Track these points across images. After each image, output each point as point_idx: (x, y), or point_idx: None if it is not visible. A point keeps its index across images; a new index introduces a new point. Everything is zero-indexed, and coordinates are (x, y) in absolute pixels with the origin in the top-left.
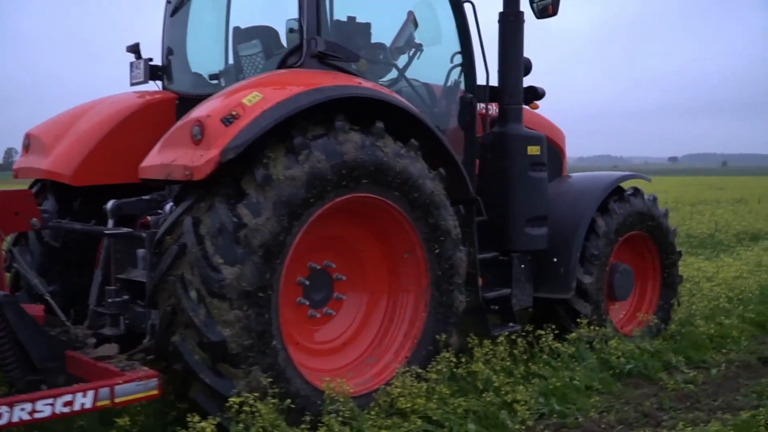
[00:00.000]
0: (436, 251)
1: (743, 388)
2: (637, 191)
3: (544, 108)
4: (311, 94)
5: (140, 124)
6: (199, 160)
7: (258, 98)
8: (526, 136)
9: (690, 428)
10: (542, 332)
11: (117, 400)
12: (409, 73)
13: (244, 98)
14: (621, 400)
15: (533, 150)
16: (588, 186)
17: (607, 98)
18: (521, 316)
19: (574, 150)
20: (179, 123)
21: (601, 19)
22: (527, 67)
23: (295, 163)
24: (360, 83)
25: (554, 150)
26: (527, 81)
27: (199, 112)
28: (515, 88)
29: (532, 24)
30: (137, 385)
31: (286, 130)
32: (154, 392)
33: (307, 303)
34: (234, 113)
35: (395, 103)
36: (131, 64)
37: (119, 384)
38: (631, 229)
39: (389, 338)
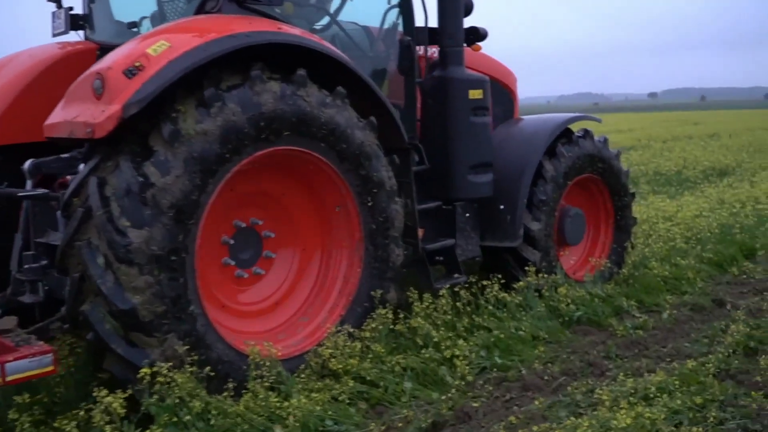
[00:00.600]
0: (369, 204)
1: (694, 333)
2: (586, 133)
3: (521, 47)
4: (224, 42)
5: (60, 78)
6: (101, 116)
7: (164, 47)
8: (468, 80)
9: (632, 379)
10: (488, 282)
11: (8, 379)
12: (345, 16)
13: (149, 48)
14: (567, 350)
15: (475, 94)
16: (535, 130)
17: (586, 36)
18: (471, 267)
19: (554, 88)
20: (82, 76)
21: None
22: (468, 7)
23: (206, 117)
24: (280, 28)
25: (504, 92)
26: (469, 22)
27: (101, 64)
28: (455, 29)
29: None
30: (30, 362)
31: (198, 81)
32: (50, 368)
33: (234, 263)
34: (137, 64)
35: (318, 49)
36: (53, 14)
37: (9, 361)
38: (581, 172)
39: (323, 296)
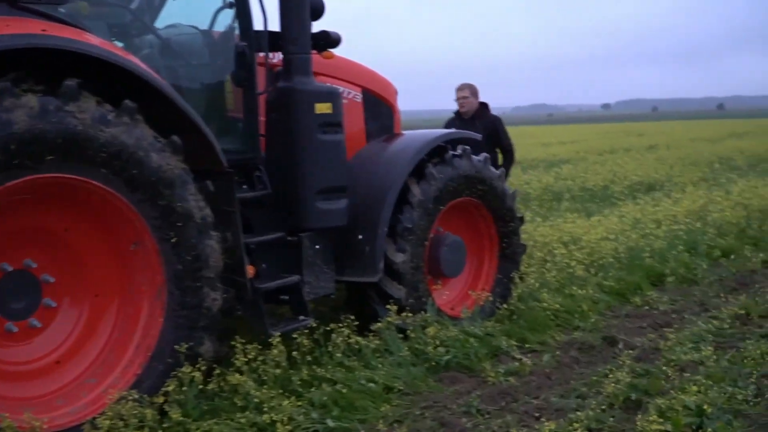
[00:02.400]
0: (173, 240)
1: (575, 379)
2: (464, 151)
3: (478, 59)
4: None
5: None
6: None
7: None
8: (313, 92)
9: None
10: (336, 326)
11: None
12: (169, 19)
13: None
14: (423, 404)
15: (322, 108)
16: (402, 148)
17: (541, 48)
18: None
19: (510, 100)
20: None
21: None
22: (317, 9)
23: None
24: (45, 31)
25: (382, 106)
26: (319, 25)
27: None
28: (299, 33)
29: None
30: None
31: None
32: None
33: (1, 315)
34: None
35: (95, 55)
36: None
37: None
38: (456, 195)
39: (118, 352)
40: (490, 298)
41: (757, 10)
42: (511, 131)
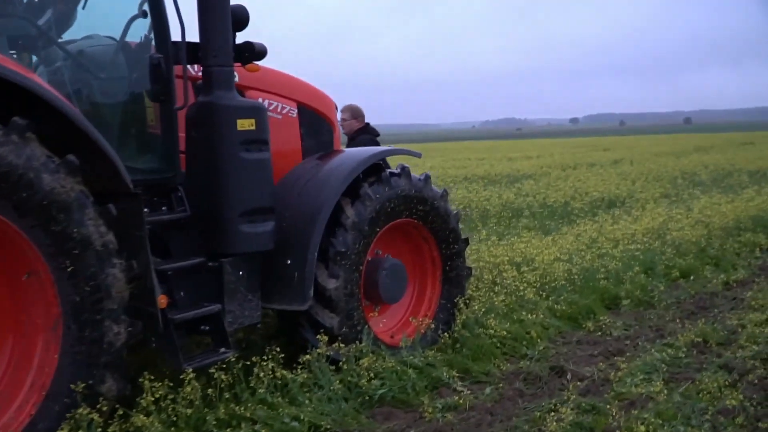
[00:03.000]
0: (70, 269)
1: (517, 416)
2: (403, 170)
3: (447, 73)
4: None
5: None
6: None
7: None
8: (235, 107)
9: None
10: (261, 358)
11: None
12: (85, 29)
13: None
14: None
15: (245, 124)
16: (336, 167)
17: (509, 62)
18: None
19: (478, 113)
20: None
21: None
22: (241, 19)
23: None
24: None
25: (320, 121)
26: (243, 36)
27: None
28: (221, 44)
29: None
30: None
31: None
32: None
33: None
34: None
35: None
36: None
37: None
38: (395, 216)
39: (11, 392)
40: (432, 326)
41: (721, 24)
42: (479, 145)
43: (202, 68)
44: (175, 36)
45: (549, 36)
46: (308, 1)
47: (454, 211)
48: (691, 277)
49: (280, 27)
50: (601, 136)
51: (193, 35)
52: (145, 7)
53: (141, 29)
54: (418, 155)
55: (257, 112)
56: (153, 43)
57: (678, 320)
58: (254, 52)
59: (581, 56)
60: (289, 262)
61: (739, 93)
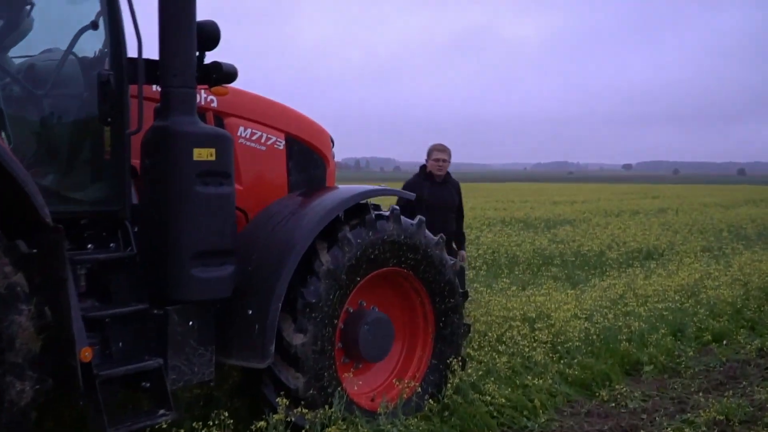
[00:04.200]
0: None
1: None
2: (392, 213)
3: (500, 114)
4: None
5: None
6: None
7: None
8: (192, 134)
9: None
10: (200, 424)
11: None
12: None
13: None
14: None
15: (203, 154)
16: (314, 205)
17: (563, 106)
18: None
19: (531, 156)
20: None
21: (553, 29)
22: (211, 37)
23: None
24: None
25: (311, 155)
26: (213, 55)
27: None
28: (183, 62)
29: (485, 33)
30: None
31: None
32: None
33: None
34: None
35: None
36: None
37: None
38: (380, 264)
39: None
40: (419, 389)
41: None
42: (526, 187)
43: (160, 89)
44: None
45: (604, 81)
46: (362, 41)
47: (451, 261)
48: (724, 342)
49: (337, 65)
50: (654, 183)
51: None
52: (99, 17)
53: (97, 43)
54: (410, 197)
55: (219, 141)
56: (106, 60)
57: (702, 393)
58: (222, 73)
59: (636, 103)
60: (249, 311)
61: None
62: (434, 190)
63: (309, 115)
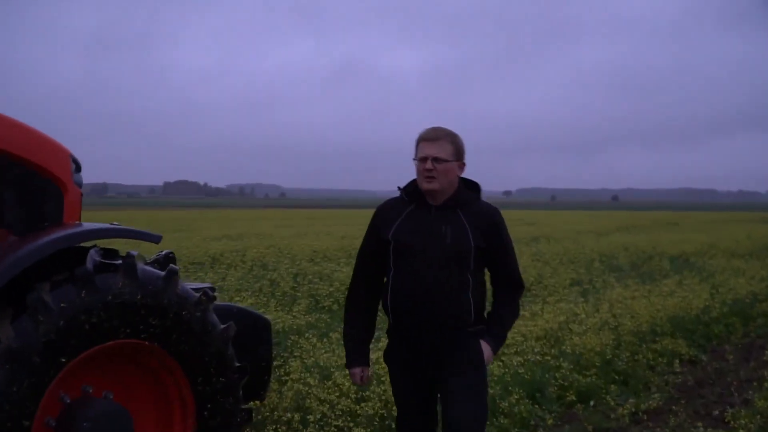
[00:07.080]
0: None
1: None
2: (124, 262)
3: (384, 141)
4: None
5: None
6: None
7: None
8: None
9: None
10: None
11: None
12: None
13: None
14: None
15: None
16: (3, 254)
17: None
18: None
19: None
20: None
21: (429, 62)
22: None
23: None
24: None
25: (33, 177)
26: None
27: None
28: None
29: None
30: None
31: None
32: None
33: None
34: None
35: None
36: None
37: None
38: (104, 336)
39: None
40: None
41: (635, 108)
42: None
43: None
44: None
45: (480, 112)
46: (243, 70)
47: (224, 325)
48: (591, 403)
49: (219, 93)
50: (532, 209)
51: None
52: None
53: None
54: (155, 239)
55: None
56: None
57: None
58: None
59: (512, 132)
60: None
61: (660, 173)
62: (416, 221)
63: (190, 142)
